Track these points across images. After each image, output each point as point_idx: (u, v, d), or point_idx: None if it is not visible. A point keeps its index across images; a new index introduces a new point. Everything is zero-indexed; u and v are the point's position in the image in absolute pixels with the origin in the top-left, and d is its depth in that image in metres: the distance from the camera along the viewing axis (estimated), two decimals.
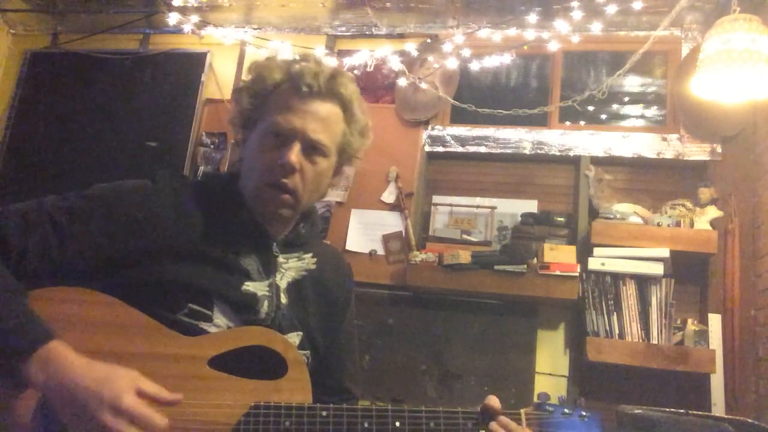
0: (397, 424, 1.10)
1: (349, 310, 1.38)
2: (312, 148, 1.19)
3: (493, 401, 1.16)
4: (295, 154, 1.16)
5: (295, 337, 1.21)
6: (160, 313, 1.08)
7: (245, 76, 1.28)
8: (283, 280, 1.23)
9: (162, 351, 1.05)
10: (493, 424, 1.13)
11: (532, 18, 3.20)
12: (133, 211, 1.12)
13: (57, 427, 0.96)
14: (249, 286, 1.17)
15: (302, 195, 1.20)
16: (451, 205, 3.36)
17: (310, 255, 1.30)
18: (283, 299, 1.22)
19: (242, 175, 1.24)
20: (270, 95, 1.21)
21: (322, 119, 1.19)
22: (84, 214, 1.09)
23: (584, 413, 1.22)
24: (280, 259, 1.24)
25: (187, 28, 3.66)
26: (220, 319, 1.12)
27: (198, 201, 1.20)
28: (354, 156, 1.30)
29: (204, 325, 1.10)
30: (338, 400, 1.29)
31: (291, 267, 1.26)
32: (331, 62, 3.43)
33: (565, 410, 1.21)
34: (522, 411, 1.18)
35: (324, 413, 1.07)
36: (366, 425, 1.08)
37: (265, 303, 1.18)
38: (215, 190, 1.25)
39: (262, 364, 1.10)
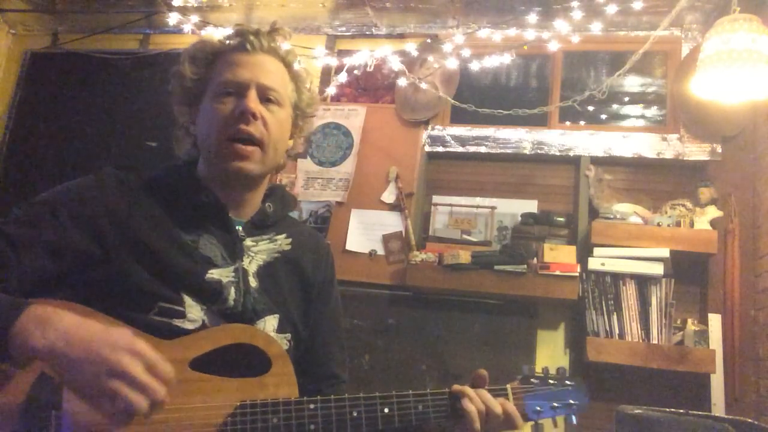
0: (386, 410, 1.09)
1: (333, 293, 1.35)
2: (267, 99, 1.19)
3: (482, 373, 1.17)
4: (252, 101, 1.16)
5: (273, 320, 1.19)
6: (130, 315, 1.05)
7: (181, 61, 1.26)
8: (252, 263, 1.20)
9: None
10: (465, 402, 1.13)
11: (532, 18, 3.20)
12: (80, 209, 1.09)
13: (43, 421, 0.91)
14: (213, 274, 1.14)
15: (268, 143, 1.18)
16: (451, 205, 3.36)
17: (283, 236, 1.27)
18: (253, 283, 1.18)
19: (201, 155, 1.22)
20: (213, 63, 1.22)
21: (270, 71, 1.21)
22: (32, 219, 1.06)
23: (568, 382, 1.24)
24: (248, 242, 1.21)
25: (187, 28, 3.66)
26: (193, 313, 1.09)
27: (151, 191, 1.17)
28: (306, 111, 1.29)
29: (178, 322, 1.08)
30: (326, 386, 1.28)
31: (261, 250, 1.23)
32: (330, 62, 3.46)
33: (550, 381, 1.23)
34: (508, 386, 1.19)
35: (312, 406, 1.06)
36: (355, 414, 1.07)
37: (232, 289, 1.15)
38: (169, 178, 1.22)
39: (244, 361, 1.08)
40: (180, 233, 1.14)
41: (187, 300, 1.10)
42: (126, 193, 1.14)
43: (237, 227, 1.21)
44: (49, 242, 1.05)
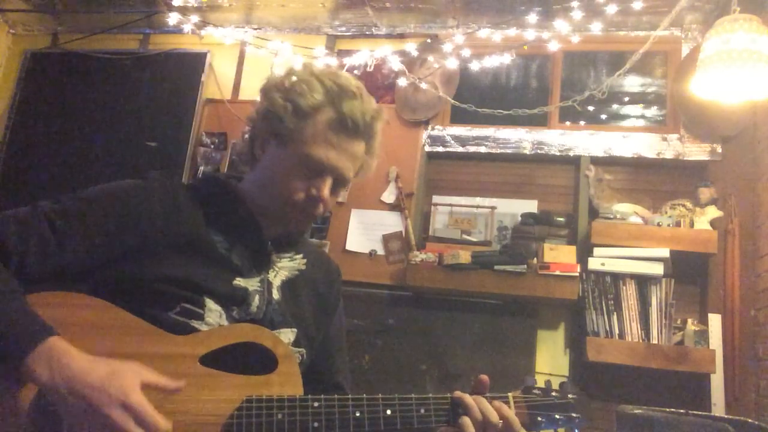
0: (388, 412, 1.11)
1: (339, 310, 1.42)
2: (340, 184, 1.23)
3: (484, 379, 1.19)
4: (327, 190, 1.20)
5: (289, 334, 1.23)
6: (151, 312, 1.09)
7: (283, 80, 1.23)
8: (276, 277, 1.25)
9: (153, 350, 1.06)
10: (463, 411, 1.14)
11: (532, 18, 3.20)
12: (126, 208, 1.14)
13: (54, 424, 0.96)
14: (240, 282, 1.19)
15: (321, 215, 1.26)
16: (451, 205, 3.36)
17: (300, 256, 1.32)
18: (276, 295, 1.23)
19: (254, 182, 1.25)
20: (308, 118, 1.19)
21: (356, 157, 1.23)
22: (79, 213, 1.11)
23: (571, 396, 1.23)
24: (274, 258, 1.26)
25: (187, 28, 3.66)
26: (211, 317, 1.13)
27: (192, 199, 1.21)
28: (359, 176, 1.33)
29: (195, 324, 1.12)
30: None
31: (284, 266, 1.28)
32: (330, 62, 3.46)
33: (552, 393, 1.23)
34: (510, 395, 1.20)
35: (316, 404, 1.09)
36: (357, 414, 1.10)
37: (257, 298, 1.20)
38: (212, 190, 1.26)
39: (252, 360, 1.11)
40: (214, 241, 1.19)
41: (209, 304, 1.14)
42: (168, 200, 1.18)
43: (267, 242, 1.25)
44: (92, 239, 1.10)
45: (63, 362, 0.95)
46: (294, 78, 1.22)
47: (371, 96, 1.25)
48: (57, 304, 1.05)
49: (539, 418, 1.19)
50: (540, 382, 1.25)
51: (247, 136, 1.27)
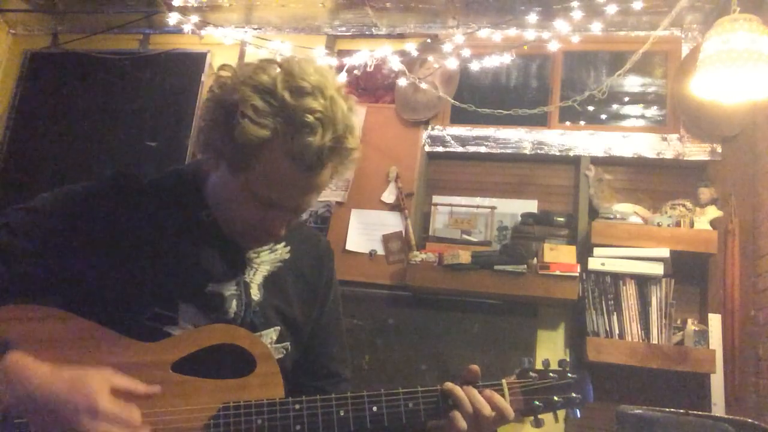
0: (374, 408, 1.07)
1: (332, 292, 1.33)
2: (299, 214, 1.15)
3: (474, 368, 1.13)
4: (282, 228, 1.12)
5: (272, 333, 1.18)
6: (122, 318, 1.04)
7: (227, 93, 1.03)
8: (257, 275, 1.19)
9: (122, 360, 1.01)
10: (453, 403, 1.09)
11: (532, 18, 3.19)
12: (77, 218, 1.07)
13: None
14: (214, 287, 1.12)
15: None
16: (451, 205, 3.36)
17: (282, 245, 1.24)
18: (256, 296, 1.17)
19: (213, 189, 1.14)
20: (255, 154, 1.01)
21: (319, 188, 1.08)
22: (25, 228, 1.05)
23: (570, 375, 1.17)
24: (250, 254, 1.19)
25: (187, 28, 3.66)
26: (185, 321, 1.08)
27: (153, 199, 1.14)
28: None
29: (169, 329, 1.07)
30: (329, 384, 1.27)
31: (264, 260, 1.21)
32: (330, 62, 3.45)
33: (550, 374, 1.16)
34: (504, 381, 1.13)
35: (297, 406, 1.04)
36: (342, 414, 1.05)
37: (234, 302, 1.13)
38: (175, 188, 1.17)
39: (229, 362, 1.06)
40: (180, 244, 1.12)
41: (183, 308, 1.09)
42: (129, 201, 1.12)
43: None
44: (42, 253, 1.04)
45: (22, 377, 0.89)
46: (236, 96, 1.00)
47: (340, 106, 1.02)
48: (19, 319, 1.00)
49: (536, 403, 1.12)
50: (538, 365, 1.18)
51: (201, 137, 1.10)
